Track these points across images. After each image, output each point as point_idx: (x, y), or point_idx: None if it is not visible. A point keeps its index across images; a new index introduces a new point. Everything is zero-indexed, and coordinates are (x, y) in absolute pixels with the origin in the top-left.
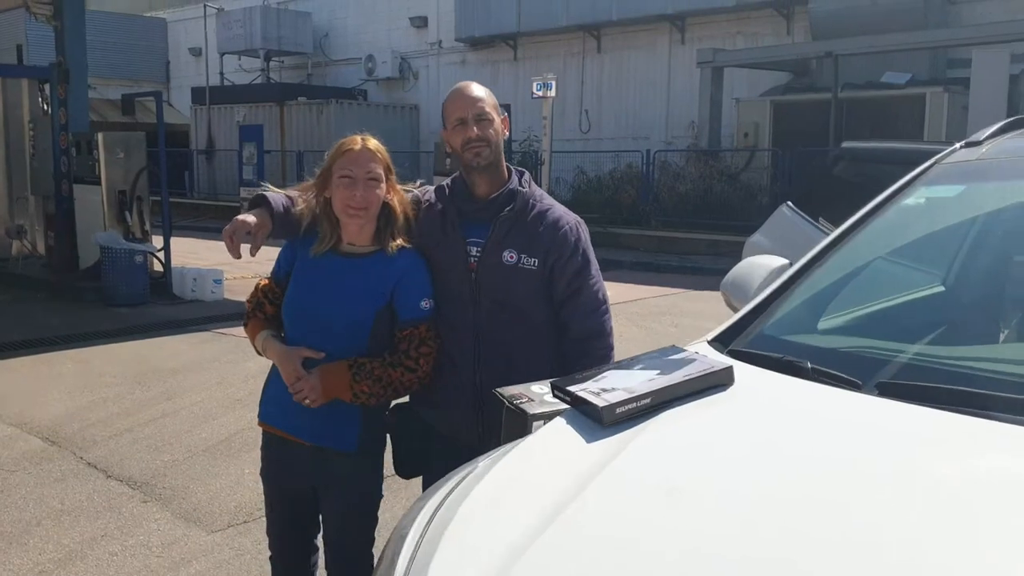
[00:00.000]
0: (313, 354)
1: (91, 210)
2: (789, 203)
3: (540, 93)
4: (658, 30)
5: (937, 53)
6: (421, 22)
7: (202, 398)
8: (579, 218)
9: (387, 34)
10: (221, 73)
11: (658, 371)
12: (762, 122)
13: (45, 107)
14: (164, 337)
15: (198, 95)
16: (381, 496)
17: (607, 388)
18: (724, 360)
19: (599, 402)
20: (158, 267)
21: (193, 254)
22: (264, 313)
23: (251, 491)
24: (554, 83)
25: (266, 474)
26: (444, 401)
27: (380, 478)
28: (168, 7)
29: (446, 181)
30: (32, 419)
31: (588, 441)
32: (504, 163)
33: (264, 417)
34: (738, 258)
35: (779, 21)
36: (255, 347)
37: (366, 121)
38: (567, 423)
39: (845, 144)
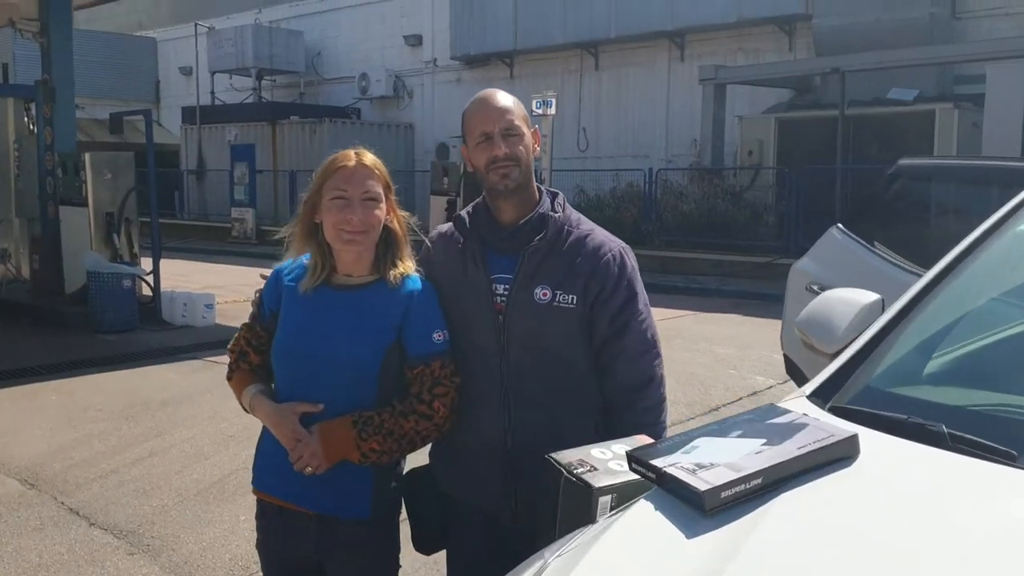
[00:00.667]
0: (311, 408)
1: (78, 233)
2: (839, 225)
3: (540, 111)
4: (657, 47)
5: (944, 69)
6: (416, 40)
7: (193, 434)
8: (624, 244)
9: (381, 52)
10: (212, 92)
11: (763, 440)
12: (766, 140)
13: (31, 126)
14: (153, 366)
15: (188, 114)
16: (399, 567)
17: (703, 463)
18: (842, 426)
19: (698, 484)
20: (147, 291)
21: (183, 277)
22: (249, 363)
23: (247, 541)
24: (554, 100)
25: (263, 547)
26: (468, 468)
27: (396, 547)
28: (158, 26)
29: (467, 209)
30: (11, 458)
31: (689, 535)
32: (535, 184)
33: (259, 484)
34: (746, 279)
35: (781, 37)
36: (242, 405)
37: (360, 140)
38: (656, 508)
39: (903, 161)
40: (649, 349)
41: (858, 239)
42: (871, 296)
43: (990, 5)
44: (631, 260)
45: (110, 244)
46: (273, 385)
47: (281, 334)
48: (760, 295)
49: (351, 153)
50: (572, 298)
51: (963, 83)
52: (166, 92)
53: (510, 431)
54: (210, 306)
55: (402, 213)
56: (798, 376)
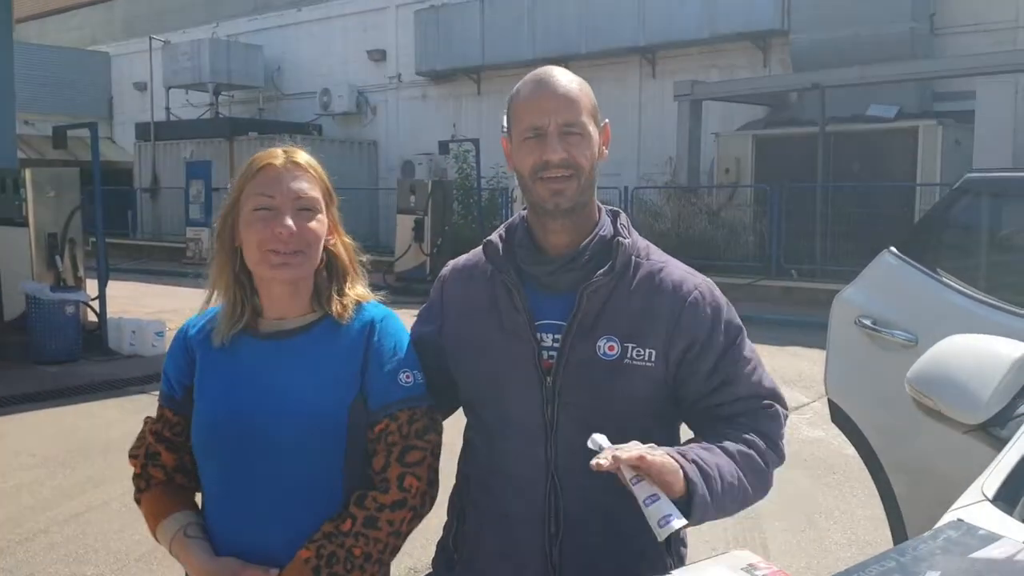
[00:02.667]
0: (261, 574)
1: (17, 255)
2: (893, 249)
3: None
4: (628, 63)
5: (924, 86)
6: (379, 55)
7: None
8: (709, 280)
9: (343, 67)
10: (167, 108)
11: None
12: (743, 157)
13: None
14: (96, 402)
15: (142, 131)
16: None
17: None
18: None
19: None
20: (93, 317)
21: (133, 301)
22: (163, 466)
23: None
24: None
25: None
26: None
27: None
28: (111, 40)
29: (498, 231)
30: None
31: None
32: (596, 200)
33: None
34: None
35: (755, 53)
36: (155, 537)
37: (322, 156)
38: None
39: (971, 175)
40: (761, 401)
41: (917, 265)
42: (1021, 348)
43: (969, 21)
44: (723, 298)
45: (53, 267)
46: (200, 498)
47: (202, 412)
48: (742, 317)
49: (278, 150)
50: (649, 352)
51: (942, 100)
52: (119, 108)
53: (557, 540)
54: (160, 333)
55: (348, 239)
56: (850, 430)
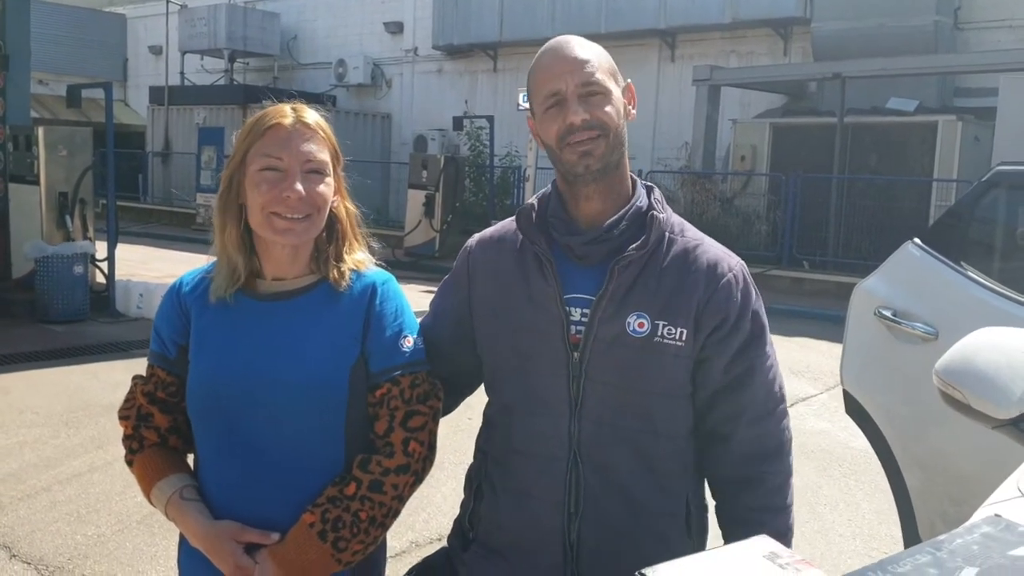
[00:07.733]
0: (261, 538)
1: (28, 213)
2: (916, 240)
3: (527, 105)
4: (648, 45)
5: (945, 80)
6: (396, 28)
7: None
8: (744, 263)
9: (359, 39)
10: (182, 73)
11: None
12: (760, 145)
13: None
14: (102, 363)
15: (156, 95)
16: None
17: None
18: None
19: None
20: (101, 279)
21: (142, 264)
22: (156, 428)
23: None
24: None
25: None
26: (512, 568)
27: None
28: (128, 3)
29: (531, 201)
30: None
31: None
32: (628, 166)
33: None
34: None
35: (776, 41)
36: (150, 501)
37: (335, 128)
38: None
39: (1001, 167)
40: (777, 405)
41: (942, 258)
42: None
43: (994, 16)
44: (754, 284)
45: (63, 226)
46: (194, 459)
47: (198, 373)
48: None
49: (286, 108)
50: (681, 332)
51: (964, 96)
52: (134, 71)
53: (577, 519)
54: None
55: (351, 206)
56: (864, 422)
